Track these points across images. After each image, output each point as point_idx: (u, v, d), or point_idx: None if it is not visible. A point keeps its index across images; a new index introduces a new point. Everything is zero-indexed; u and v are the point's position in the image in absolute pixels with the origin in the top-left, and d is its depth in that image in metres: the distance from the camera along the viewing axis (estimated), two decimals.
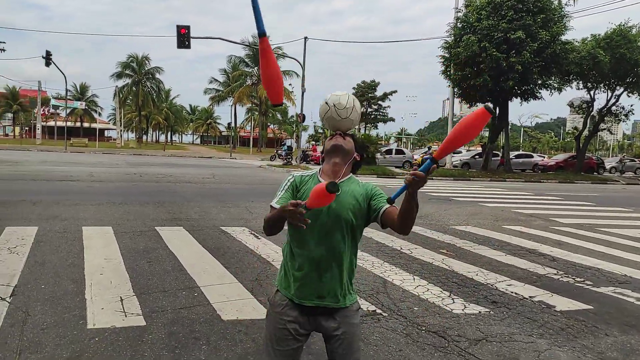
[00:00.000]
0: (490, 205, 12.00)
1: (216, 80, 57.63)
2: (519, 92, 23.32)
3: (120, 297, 4.00)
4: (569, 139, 70.22)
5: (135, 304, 3.87)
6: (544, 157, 36.85)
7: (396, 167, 28.56)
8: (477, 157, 28.29)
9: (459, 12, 24.06)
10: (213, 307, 3.91)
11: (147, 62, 56.16)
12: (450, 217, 9.49)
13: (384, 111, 59.32)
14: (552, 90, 24.40)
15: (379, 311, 4.04)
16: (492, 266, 5.77)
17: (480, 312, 4.16)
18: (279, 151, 30.84)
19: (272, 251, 5.88)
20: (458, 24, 23.48)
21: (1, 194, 9.63)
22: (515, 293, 4.74)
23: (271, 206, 1.91)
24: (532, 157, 32.74)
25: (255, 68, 47.13)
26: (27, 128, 68.30)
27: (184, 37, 20.43)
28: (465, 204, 12.10)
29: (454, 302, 4.36)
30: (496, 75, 21.55)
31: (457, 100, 27.74)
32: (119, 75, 55.02)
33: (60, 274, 4.57)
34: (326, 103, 1.98)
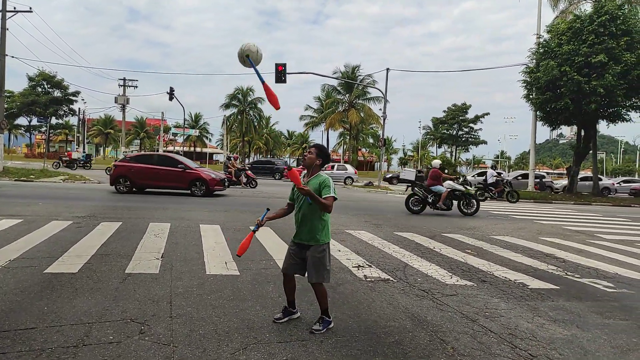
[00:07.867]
0: (543, 222, 12.86)
1: (310, 107, 61.75)
2: (605, 114, 23.00)
3: (225, 262, 6.31)
4: None
5: (234, 265, 6.13)
6: None
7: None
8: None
9: (540, 37, 24.51)
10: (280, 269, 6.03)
11: (250, 93, 62.16)
12: (494, 230, 10.75)
13: (475, 134, 58.86)
14: None
15: (391, 279, 5.86)
16: (502, 262, 7.20)
17: (466, 284, 5.78)
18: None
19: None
20: (539, 49, 23.95)
21: (143, 203, 12.92)
22: (505, 277, 6.23)
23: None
24: (638, 182, 30.91)
25: (347, 95, 49.97)
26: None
27: (280, 74, 23.61)
28: (519, 221, 13.08)
29: (451, 278, 6.02)
30: (578, 99, 21.66)
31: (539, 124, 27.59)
32: (226, 106, 61.64)
33: (188, 249, 7.04)
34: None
